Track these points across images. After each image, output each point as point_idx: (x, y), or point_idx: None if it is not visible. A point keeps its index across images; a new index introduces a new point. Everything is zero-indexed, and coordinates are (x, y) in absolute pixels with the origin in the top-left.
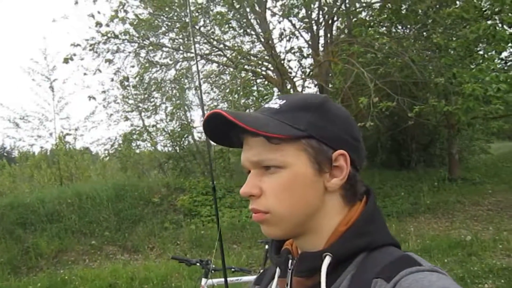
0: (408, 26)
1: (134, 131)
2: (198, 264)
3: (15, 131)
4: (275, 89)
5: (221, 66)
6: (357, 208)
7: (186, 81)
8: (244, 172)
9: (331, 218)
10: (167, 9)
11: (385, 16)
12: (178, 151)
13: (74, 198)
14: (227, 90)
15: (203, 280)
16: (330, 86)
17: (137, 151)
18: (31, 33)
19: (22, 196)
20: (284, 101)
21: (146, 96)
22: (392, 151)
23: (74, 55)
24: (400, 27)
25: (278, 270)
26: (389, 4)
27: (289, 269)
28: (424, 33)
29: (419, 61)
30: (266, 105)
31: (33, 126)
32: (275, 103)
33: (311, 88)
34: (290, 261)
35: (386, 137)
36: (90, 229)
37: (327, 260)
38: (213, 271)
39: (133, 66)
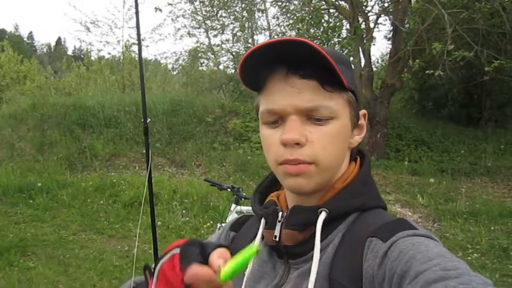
0: None
1: (199, 49)
2: (229, 189)
3: (86, 34)
4: (345, 22)
5: None
6: (353, 168)
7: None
8: (264, 119)
9: (339, 174)
10: None
11: None
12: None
13: (131, 107)
14: (295, 18)
15: (233, 206)
16: (406, 26)
17: (201, 68)
18: None
19: (85, 99)
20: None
21: (214, 14)
22: (463, 106)
23: None
24: None
25: (263, 221)
26: None
27: (279, 221)
28: None
29: None
30: None
31: (103, 32)
32: None
33: (386, 26)
34: (280, 213)
35: (458, 89)
36: (143, 139)
37: (322, 216)
38: (243, 199)
39: None
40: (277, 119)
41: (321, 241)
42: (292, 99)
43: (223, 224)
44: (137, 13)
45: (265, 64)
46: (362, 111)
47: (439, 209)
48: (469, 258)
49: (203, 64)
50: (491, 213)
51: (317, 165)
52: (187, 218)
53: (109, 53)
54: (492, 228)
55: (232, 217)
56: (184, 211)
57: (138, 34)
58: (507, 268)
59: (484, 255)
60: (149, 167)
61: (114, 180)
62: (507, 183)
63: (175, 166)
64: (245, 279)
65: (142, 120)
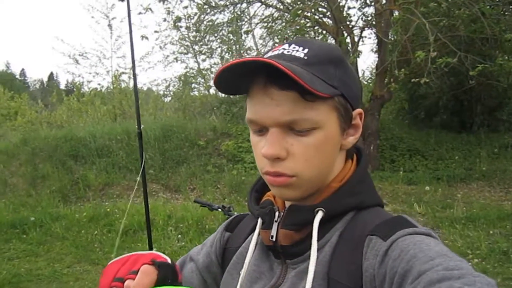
0: None
1: (189, 74)
2: (220, 209)
3: (75, 67)
4: (329, 38)
5: (277, 11)
6: (350, 166)
7: (241, 23)
8: (250, 126)
9: (333, 174)
10: None
11: None
12: (231, 96)
13: (123, 135)
14: (280, 37)
15: None
16: (390, 37)
17: (192, 93)
18: None
19: (76, 130)
20: (307, 49)
21: (201, 38)
22: (454, 112)
23: None
24: None
25: (260, 221)
26: None
27: (275, 221)
28: None
29: (491, 14)
30: (287, 52)
31: (91, 63)
32: (296, 50)
33: (371, 39)
34: (276, 212)
35: (448, 97)
36: (136, 166)
37: (319, 215)
38: None
39: (186, 7)
40: (261, 128)
41: (318, 240)
42: (270, 112)
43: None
44: (130, 32)
45: (243, 75)
46: (357, 110)
47: (437, 217)
48: (470, 263)
49: (194, 89)
50: (489, 217)
51: (298, 178)
52: (183, 243)
53: (99, 84)
54: (491, 232)
55: None
56: (179, 236)
57: (132, 44)
58: (508, 271)
59: (485, 259)
60: (142, 165)
61: (108, 210)
62: (503, 186)
63: (169, 191)
64: (240, 279)
65: (136, 126)
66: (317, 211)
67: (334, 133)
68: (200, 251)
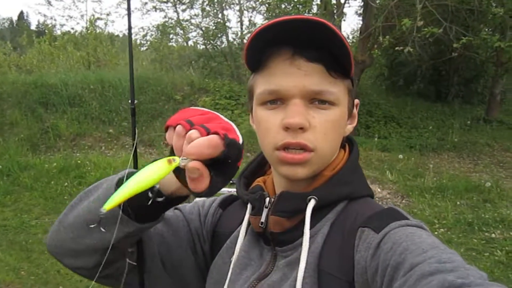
0: None
1: (167, 24)
2: None
3: (47, 8)
4: None
5: None
6: (342, 155)
7: None
8: (263, 99)
9: (329, 162)
10: None
11: None
12: (210, 50)
13: (97, 85)
14: None
15: None
16: (376, 1)
17: (170, 44)
18: None
19: (47, 76)
20: None
21: None
22: (432, 82)
23: None
24: None
25: (249, 206)
26: None
27: (266, 207)
28: None
29: None
30: None
31: (65, 6)
32: None
33: (357, 1)
34: (267, 198)
35: (427, 66)
36: (109, 118)
37: (312, 203)
38: None
39: None
40: (277, 100)
41: (309, 230)
42: (298, 81)
43: None
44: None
45: (270, 44)
46: (356, 101)
47: (408, 185)
48: (436, 233)
49: (172, 40)
50: (457, 188)
51: (317, 152)
52: None
53: (72, 28)
54: (458, 203)
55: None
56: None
57: (128, 5)
58: (472, 242)
59: (450, 229)
60: (134, 144)
61: (79, 161)
62: (472, 158)
63: (143, 145)
64: (231, 266)
65: (130, 101)
66: (310, 199)
67: (345, 114)
68: (192, 213)
